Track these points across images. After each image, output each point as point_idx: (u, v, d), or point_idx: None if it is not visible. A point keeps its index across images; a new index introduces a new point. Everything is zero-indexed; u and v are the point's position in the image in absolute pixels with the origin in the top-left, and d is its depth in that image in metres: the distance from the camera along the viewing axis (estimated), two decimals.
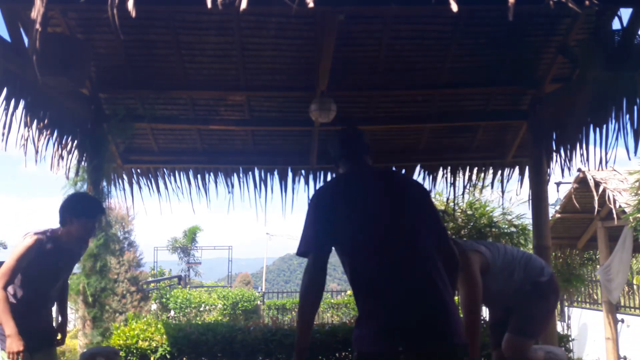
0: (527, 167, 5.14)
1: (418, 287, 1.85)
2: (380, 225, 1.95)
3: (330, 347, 4.63)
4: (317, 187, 2.15)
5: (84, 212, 2.98)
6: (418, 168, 5.53)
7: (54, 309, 3.30)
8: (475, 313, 2.78)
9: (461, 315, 2.17)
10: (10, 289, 2.77)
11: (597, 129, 3.66)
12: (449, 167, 5.56)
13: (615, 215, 7.04)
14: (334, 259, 2.11)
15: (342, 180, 2.18)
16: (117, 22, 1.75)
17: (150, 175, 5.50)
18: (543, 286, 3.10)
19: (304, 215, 2.07)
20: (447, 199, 5.88)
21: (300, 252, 2.01)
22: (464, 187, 5.71)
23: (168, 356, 4.55)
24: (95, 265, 4.25)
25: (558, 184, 9.26)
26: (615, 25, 3.32)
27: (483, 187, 6.14)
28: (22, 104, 3.40)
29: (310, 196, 2.14)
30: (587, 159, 4.03)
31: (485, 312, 4.64)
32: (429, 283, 1.86)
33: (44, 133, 3.86)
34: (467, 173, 5.61)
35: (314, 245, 1.97)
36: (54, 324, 3.26)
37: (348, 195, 2.03)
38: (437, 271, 1.90)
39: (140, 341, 4.59)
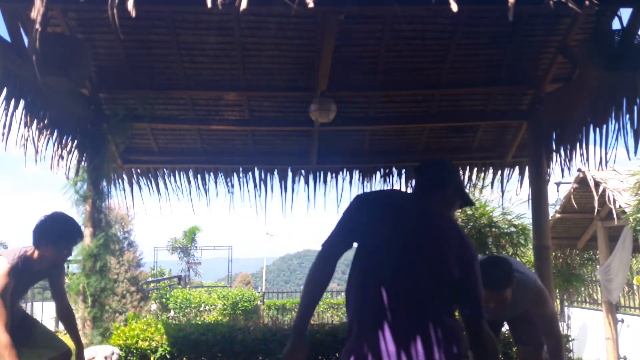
0: (527, 167, 5.14)
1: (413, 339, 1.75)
2: (402, 262, 1.86)
3: (330, 347, 4.63)
4: (367, 191, 2.11)
5: (62, 237, 2.76)
6: None
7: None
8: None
9: None
10: None
11: (597, 129, 3.66)
12: None
13: (615, 215, 7.03)
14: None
15: (393, 196, 2.12)
16: (117, 22, 1.75)
17: (150, 175, 5.51)
18: None
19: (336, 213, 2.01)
20: None
21: (322, 244, 2.02)
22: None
23: (168, 356, 4.54)
24: (95, 265, 4.25)
25: (558, 184, 9.25)
26: (615, 25, 3.32)
27: (483, 187, 6.14)
28: (22, 104, 3.40)
29: (357, 195, 2.08)
30: (587, 159, 4.03)
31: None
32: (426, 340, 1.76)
33: (44, 133, 3.86)
34: (467, 173, 5.61)
35: (328, 242, 1.96)
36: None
37: (389, 214, 1.95)
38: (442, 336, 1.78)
39: (140, 341, 4.59)
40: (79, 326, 4.30)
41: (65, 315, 3.17)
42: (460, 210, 6.80)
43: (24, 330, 2.98)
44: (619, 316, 8.51)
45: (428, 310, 1.81)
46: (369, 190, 2.07)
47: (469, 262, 1.91)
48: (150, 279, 13.38)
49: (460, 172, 2.25)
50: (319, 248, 1.99)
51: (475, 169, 5.59)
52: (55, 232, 2.76)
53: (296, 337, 1.91)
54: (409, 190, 5.64)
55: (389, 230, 1.91)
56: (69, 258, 3.29)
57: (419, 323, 1.78)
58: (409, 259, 1.87)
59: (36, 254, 2.79)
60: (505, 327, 3.63)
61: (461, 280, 1.88)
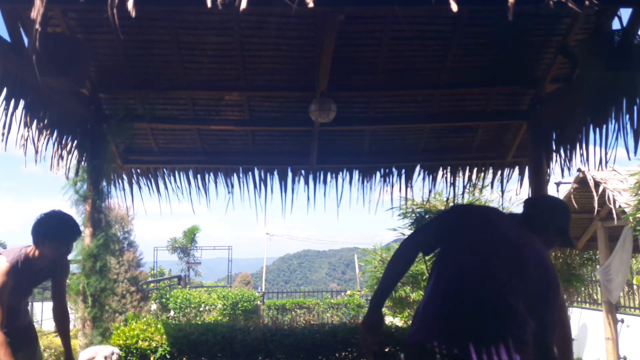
0: (527, 167, 5.14)
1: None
2: (485, 277, 1.99)
3: (330, 347, 4.63)
4: (466, 204, 2.35)
5: (58, 235, 2.78)
6: (418, 168, 5.54)
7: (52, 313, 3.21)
8: None
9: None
10: None
11: (597, 129, 3.66)
12: (449, 167, 5.56)
13: (615, 215, 7.03)
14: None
15: (489, 213, 2.24)
16: (117, 22, 1.75)
17: (150, 175, 5.51)
18: None
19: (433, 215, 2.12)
20: (447, 199, 5.88)
21: (409, 234, 2.27)
22: (464, 187, 5.71)
23: (168, 356, 4.54)
24: (95, 265, 4.24)
25: (558, 184, 9.24)
26: (615, 25, 3.32)
27: (483, 187, 6.14)
28: (22, 104, 3.39)
29: (456, 205, 2.26)
30: (587, 159, 4.02)
31: None
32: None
33: (44, 133, 3.86)
34: (467, 173, 5.61)
35: (415, 239, 2.20)
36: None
37: (481, 229, 2.09)
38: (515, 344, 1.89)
39: (140, 341, 4.59)
40: (79, 326, 4.30)
41: (60, 316, 3.15)
42: None
43: (25, 344, 2.94)
44: (619, 316, 8.52)
45: (503, 324, 1.93)
46: (467, 203, 2.27)
47: (547, 292, 2.03)
48: (150, 279, 13.39)
49: (569, 216, 2.32)
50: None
51: (475, 169, 5.59)
52: (53, 230, 2.76)
53: (376, 309, 2.10)
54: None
55: (478, 245, 2.05)
56: (70, 257, 3.28)
57: (495, 332, 1.91)
58: (494, 273, 1.99)
59: (36, 252, 2.79)
60: None
61: (538, 305, 2.01)
